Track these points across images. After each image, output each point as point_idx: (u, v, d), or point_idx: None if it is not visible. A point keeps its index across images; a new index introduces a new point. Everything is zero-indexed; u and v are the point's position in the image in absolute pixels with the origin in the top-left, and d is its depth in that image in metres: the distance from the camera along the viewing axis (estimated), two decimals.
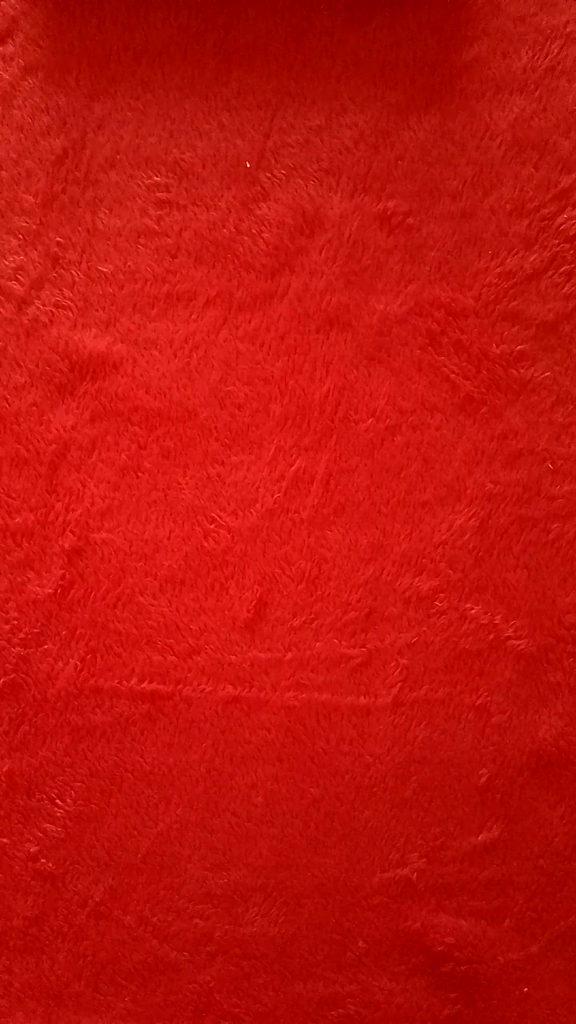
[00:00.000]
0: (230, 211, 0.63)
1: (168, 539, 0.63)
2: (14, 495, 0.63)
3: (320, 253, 0.63)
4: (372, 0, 0.62)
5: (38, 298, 0.64)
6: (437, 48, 0.63)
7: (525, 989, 0.61)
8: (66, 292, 0.64)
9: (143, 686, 0.62)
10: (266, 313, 0.63)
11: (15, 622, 0.63)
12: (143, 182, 0.63)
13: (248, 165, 0.63)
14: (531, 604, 0.63)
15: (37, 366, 0.64)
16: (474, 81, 0.63)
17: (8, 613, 0.63)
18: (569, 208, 0.62)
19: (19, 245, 0.64)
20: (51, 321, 0.64)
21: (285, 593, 0.62)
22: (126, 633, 0.63)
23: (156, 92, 0.63)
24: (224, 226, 0.63)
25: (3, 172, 0.64)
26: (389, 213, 0.63)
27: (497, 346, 0.63)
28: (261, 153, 0.63)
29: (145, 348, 0.63)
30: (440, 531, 0.63)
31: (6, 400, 0.63)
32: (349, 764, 0.62)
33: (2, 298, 0.64)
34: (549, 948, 0.62)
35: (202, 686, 0.62)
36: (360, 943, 0.62)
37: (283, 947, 0.62)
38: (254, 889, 0.62)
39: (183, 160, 0.63)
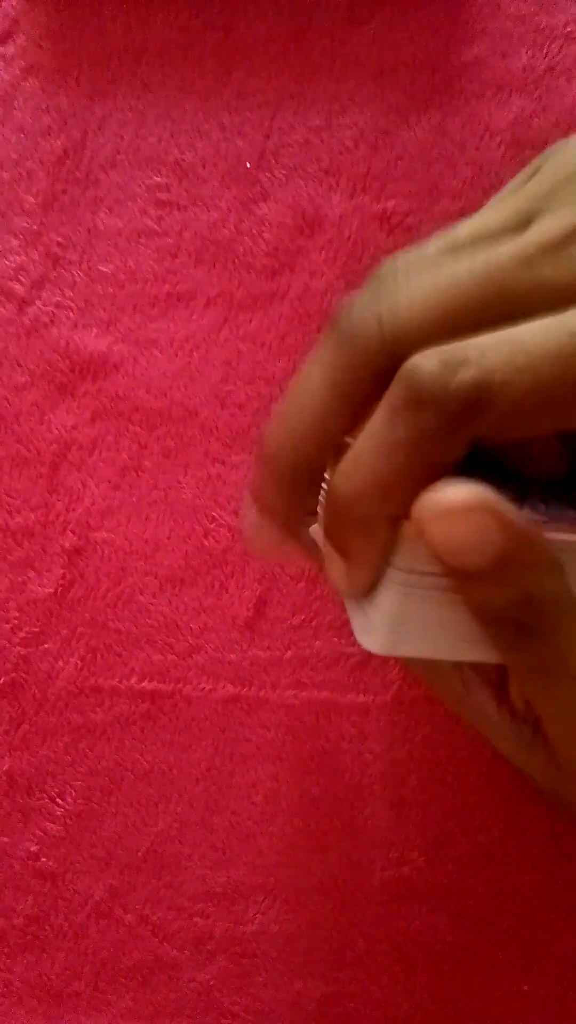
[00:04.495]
0: (230, 211, 0.63)
1: (168, 538, 0.63)
2: (14, 495, 0.63)
3: (320, 253, 0.63)
4: (372, 0, 0.62)
5: (39, 298, 0.64)
6: (437, 48, 0.63)
7: (525, 988, 0.61)
8: (67, 292, 0.64)
9: (143, 685, 0.62)
10: (266, 313, 0.63)
11: (15, 621, 0.63)
12: (143, 182, 0.64)
13: (248, 165, 0.63)
14: None
15: (38, 366, 0.64)
16: (474, 81, 0.63)
17: (8, 613, 0.63)
18: None
19: (20, 245, 0.64)
20: (52, 321, 0.64)
21: (285, 592, 0.62)
22: (126, 632, 0.63)
23: (156, 92, 0.63)
24: (224, 226, 0.63)
25: (4, 173, 0.64)
26: (389, 213, 0.63)
27: None
28: (261, 153, 0.63)
29: (145, 348, 0.63)
30: None
31: (7, 400, 0.64)
32: (349, 762, 0.62)
33: (3, 298, 0.64)
34: (549, 948, 0.61)
35: (202, 685, 0.62)
36: (360, 942, 0.62)
37: (283, 946, 0.62)
38: (254, 888, 0.62)
39: (183, 160, 0.63)
